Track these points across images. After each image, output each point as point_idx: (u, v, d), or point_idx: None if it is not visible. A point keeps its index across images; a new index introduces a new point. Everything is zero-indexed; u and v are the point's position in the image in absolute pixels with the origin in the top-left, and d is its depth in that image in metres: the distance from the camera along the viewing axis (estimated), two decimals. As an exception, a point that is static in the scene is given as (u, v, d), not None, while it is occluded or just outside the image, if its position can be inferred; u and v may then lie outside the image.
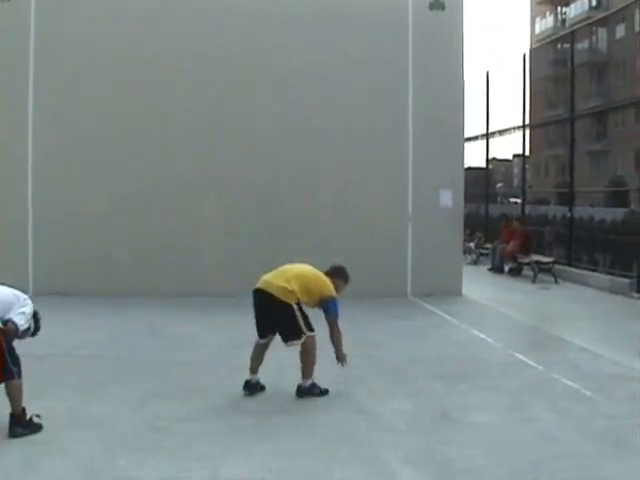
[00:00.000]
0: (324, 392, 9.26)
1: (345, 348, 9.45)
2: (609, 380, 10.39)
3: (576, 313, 16.99)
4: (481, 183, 31.12)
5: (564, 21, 71.42)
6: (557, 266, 22.00)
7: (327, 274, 9.78)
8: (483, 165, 31.45)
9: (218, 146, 17.55)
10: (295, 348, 9.33)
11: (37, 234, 17.14)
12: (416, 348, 12.37)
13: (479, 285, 20.19)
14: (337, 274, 9.95)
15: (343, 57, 17.86)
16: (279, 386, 9.67)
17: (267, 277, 9.52)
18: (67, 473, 6.70)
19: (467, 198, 21.46)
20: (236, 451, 7.28)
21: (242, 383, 9.53)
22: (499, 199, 35.17)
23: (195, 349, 11.85)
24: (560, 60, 35.29)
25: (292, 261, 10.04)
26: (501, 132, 29.25)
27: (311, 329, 9.30)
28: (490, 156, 31.55)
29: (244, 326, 13.61)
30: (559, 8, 74.45)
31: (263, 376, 9.77)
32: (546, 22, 75.95)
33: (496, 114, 29.55)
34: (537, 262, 22.16)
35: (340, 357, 9.50)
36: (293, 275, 9.44)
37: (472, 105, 27.59)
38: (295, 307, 9.21)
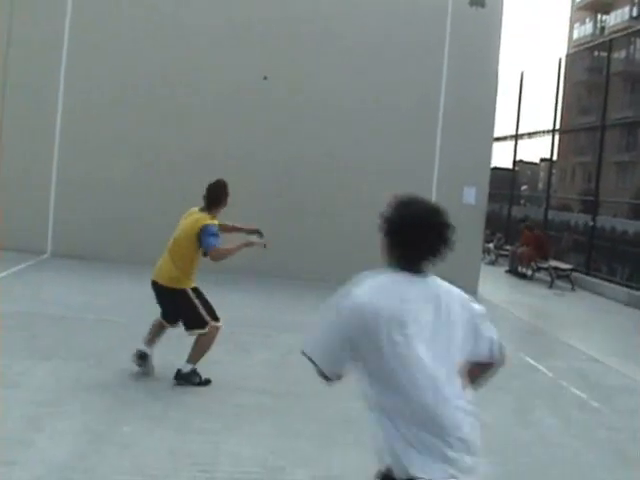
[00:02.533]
0: (204, 382, 8.66)
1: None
2: (616, 392, 10.39)
3: (589, 322, 16.95)
4: (506, 184, 31.04)
5: (603, 29, 70.87)
6: (575, 274, 21.95)
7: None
8: (510, 166, 31.37)
9: (242, 121, 17.52)
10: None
11: (59, 196, 17.20)
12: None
13: (495, 285, 20.15)
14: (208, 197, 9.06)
15: (379, 49, 17.80)
16: (284, 369, 9.71)
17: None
18: (70, 434, 6.75)
19: (491, 198, 21.39)
20: (238, 429, 7.32)
21: (247, 361, 9.63)
22: (522, 202, 35.05)
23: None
24: (596, 67, 35.13)
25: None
26: (530, 135, 29.16)
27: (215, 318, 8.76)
28: (517, 158, 31.48)
29: (248, 304, 13.73)
30: (599, 15, 73.91)
31: (267, 360, 9.84)
32: (585, 28, 75.33)
33: (527, 116, 29.47)
34: (555, 268, 22.10)
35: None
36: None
37: (504, 105, 27.51)
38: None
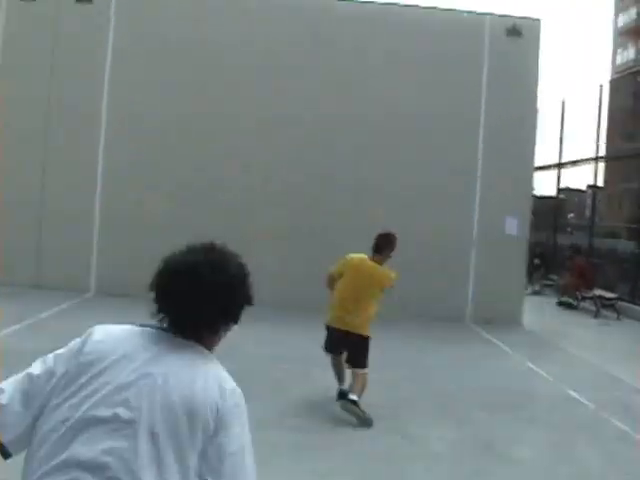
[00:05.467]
0: (368, 421, 9.00)
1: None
2: (660, 424, 10.25)
3: (634, 352, 16.70)
4: (552, 212, 30.87)
5: (646, 54, 70.28)
6: (621, 302, 21.69)
7: (376, 253, 9.85)
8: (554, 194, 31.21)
9: (285, 153, 17.71)
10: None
11: (102, 233, 17.31)
12: (467, 376, 12.26)
13: (540, 316, 19.96)
14: (387, 246, 9.93)
15: (417, 78, 17.87)
16: (325, 406, 9.71)
17: (347, 316, 9.57)
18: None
19: (536, 227, 21.21)
20: (275, 466, 7.29)
21: (288, 398, 9.67)
22: (569, 229, 34.77)
23: (241, 359, 11.79)
24: None
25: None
26: (574, 162, 28.97)
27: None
28: (563, 185, 31.27)
29: (287, 340, 13.65)
30: (641, 41, 73.32)
31: (310, 396, 9.85)
32: (628, 54, 74.73)
33: (570, 144, 29.29)
34: (600, 297, 21.87)
35: None
36: (367, 296, 9.58)
37: (547, 134, 27.36)
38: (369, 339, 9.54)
